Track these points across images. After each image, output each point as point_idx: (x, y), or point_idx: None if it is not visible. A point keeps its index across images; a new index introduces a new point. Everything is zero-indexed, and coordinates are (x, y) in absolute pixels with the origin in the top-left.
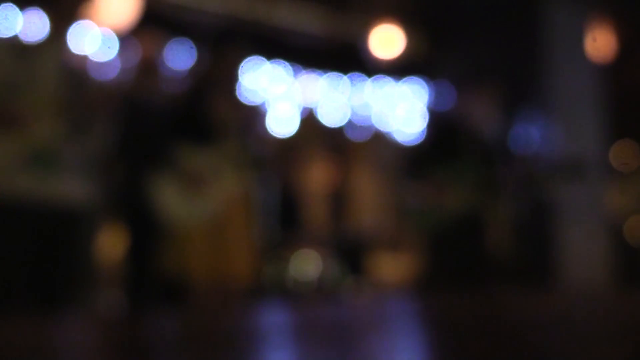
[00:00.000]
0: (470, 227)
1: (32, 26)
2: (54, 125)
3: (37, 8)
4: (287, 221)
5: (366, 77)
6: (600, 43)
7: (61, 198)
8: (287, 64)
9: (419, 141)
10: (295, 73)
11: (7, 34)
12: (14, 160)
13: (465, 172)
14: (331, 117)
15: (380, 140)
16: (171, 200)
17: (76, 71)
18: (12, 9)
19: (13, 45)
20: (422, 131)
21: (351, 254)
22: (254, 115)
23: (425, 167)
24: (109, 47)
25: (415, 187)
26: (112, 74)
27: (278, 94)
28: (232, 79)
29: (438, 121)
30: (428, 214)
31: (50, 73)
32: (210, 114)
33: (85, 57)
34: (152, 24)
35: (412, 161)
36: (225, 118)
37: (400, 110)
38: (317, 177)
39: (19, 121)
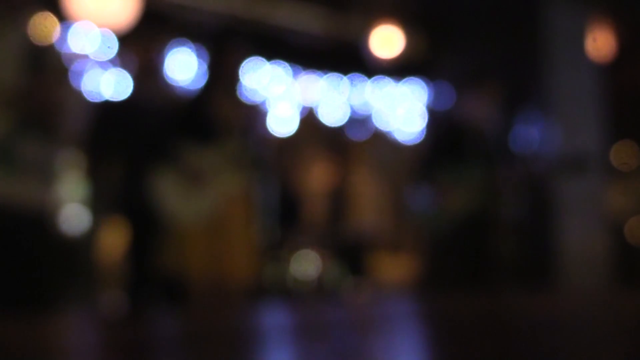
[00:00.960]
0: (470, 227)
1: None
2: (9, 117)
3: None
4: (287, 221)
5: (366, 77)
6: (600, 43)
7: (24, 200)
8: (287, 64)
9: (423, 142)
10: (295, 73)
11: None
12: None
13: (469, 173)
14: (331, 117)
15: (380, 140)
16: (171, 198)
17: (36, 55)
18: None
19: None
20: (422, 131)
21: (351, 254)
22: (255, 114)
23: (430, 169)
24: (108, 47)
25: (421, 188)
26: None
27: (278, 94)
28: (232, 78)
29: (440, 122)
30: (435, 215)
31: (7, 58)
32: (211, 113)
33: (49, 42)
34: (152, 24)
35: (418, 163)
36: (226, 117)
37: (400, 110)
38: (317, 177)
39: None
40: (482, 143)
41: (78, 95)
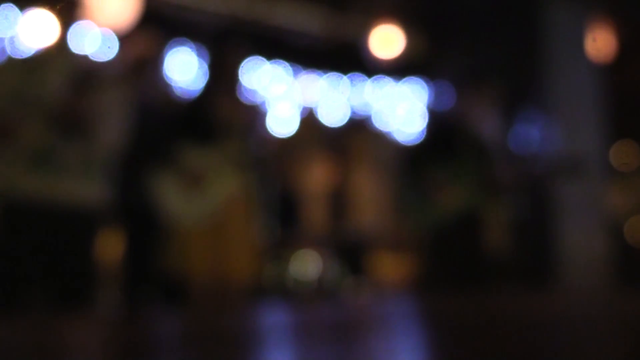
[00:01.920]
0: (470, 227)
1: (35, 28)
2: (49, 125)
3: (40, 8)
4: (287, 221)
5: (366, 77)
6: (600, 43)
7: (64, 199)
8: (287, 64)
9: (419, 141)
10: (295, 73)
11: (7, 35)
12: (13, 163)
13: (464, 171)
14: (331, 117)
15: (380, 140)
16: (172, 199)
17: (80, 73)
18: (12, 9)
19: (21, 58)
20: (422, 131)
21: (351, 254)
22: (255, 114)
23: (424, 166)
24: (109, 47)
25: (414, 185)
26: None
27: (278, 94)
28: (232, 78)
29: (437, 121)
30: (427, 212)
31: (57, 81)
32: (211, 114)
33: (87, 57)
34: (152, 24)
35: (411, 160)
36: (226, 118)
37: (400, 110)
38: (317, 177)
39: (12, 125)
40: (478, 142)
41: (116, 105)
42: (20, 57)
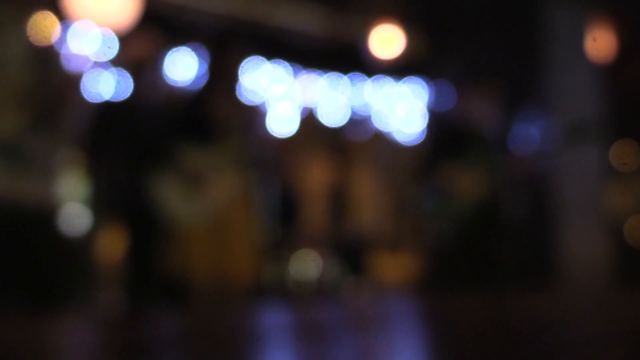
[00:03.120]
0: (470, 227)
1: None
2: (18, 116)
3: None
4: (287, 221)
5: (366, 77)
6: (600, 43)
7: (33, 198)
8: (287, 64)
9: (424, 142)
10: (295, 73)
11: None
12: None
13: (472, 169)
14: (331, 117)
15: (380, 140)
16: (172, 199)
17: (42, 55)
18: None
19: None
20: (422, 131)
21: (351, 254)
22: (255, 115)
23: (433, 167)
24: (108, 47)
25: (426, 186)
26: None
27: (278, 94)
28: (232, 79)
29: (440, 121)
30: (447, 206)
31: (14, 57)
32: (211, 114)
33: (50, 43)
34: (152, 24)
35: (421, 161)
36: (226, 118)
37: (400, 110)
38: (317, 177)
39: None
40: (482, 143)
41: (81, 94)
42: None
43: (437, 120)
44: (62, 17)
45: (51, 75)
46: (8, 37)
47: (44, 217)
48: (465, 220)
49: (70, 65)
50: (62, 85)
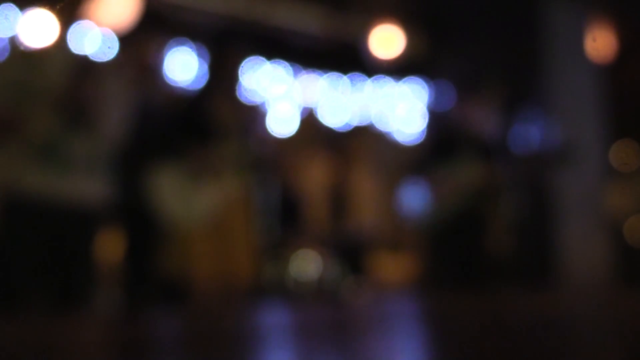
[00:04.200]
0: (470, 226)
1: (35, 27)
2: (55, 118)
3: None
4: (287, 221)
5: (366, 77)
6: (600, 43)
7: (72, 197)
8: (287, 64)
9: (420, 141)
10: (295, 73)
11: (8, 34)
12: (18, 158)
13: (463, 172)
14: (331, 117)
15: (380, 140)
16: (171, 199)
17: (81, 64)
18: (12, 9)
19: (20, 49)
20: (423, 131)
21: (351, 254)
22: (255, 115)
23: (424, 168)
24: (109, 47)
25: (415, 187)
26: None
27: (278, 94)
28: (232, 79)
29: (438, 121)
30: (431, 210)
31: (57, 71)
32: (210, 114)
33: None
34: (152, 24)
35: (414, 161)
36: (226, 118)
37: (400, 110)
38: (317, 177)
39: (18, 119)
40: (478, 143)
41: (117, 95)
42: (21, 50)
43: (434, 121)
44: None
45: (86, 79)
46: (54, 53)
47: (83, 215)
48: (459, 220)
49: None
50: (96, 89)
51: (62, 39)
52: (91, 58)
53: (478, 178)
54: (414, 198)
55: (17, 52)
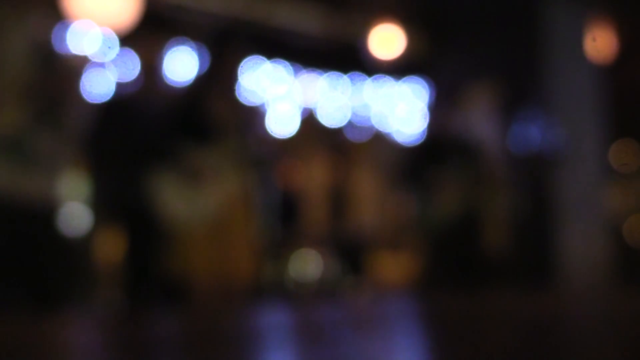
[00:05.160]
0: (469, 227)
1: None
2: (20, 112)
3: None
4: (287, 221)
5: (366, 77)
6: (600, 43)
7: (35, 194)
8: (287, 64)
9: (417, 143)
10: (295, 73)
11: None
12: None
13: (462, 170)
14: (331, 117)
15: (380, 140)
16: (171, 199)
17: (44, 50)
18: None
19: None
20: (423, 131)
21: (351, 254)
22: (254, 115)
23: (423, 168)
24: (109, 47)
25: (414, 188)
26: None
27: (278, 94)
28: (232, 79)
29: (437, 121)
30: (429, 212)
31: (15, 53)
32: (210, 114)
33: (51, 35)
34: (152, 24)
35: (409, 162)
36: (225, 118)
37: (400, 110)
38: (317, 177)
39: None
40: (475, 143)
41: (83, 92)
42: None
43: (435, 121)
44: (62, 16)
45: (52, 71)
46: (9, 33)
47: (45, 214)
48: (457, 221)
49: (73, 63)
50: (62, 82)
51: (24, 27)
52: (56, 50)
53: (475, 179)
54: (413, 199)
55: None
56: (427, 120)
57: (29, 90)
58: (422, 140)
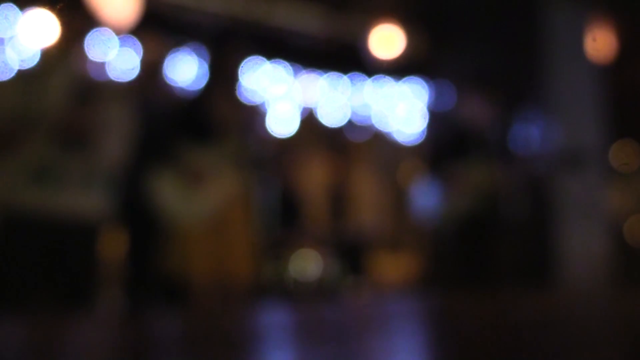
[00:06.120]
0: (471, 227)
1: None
2: (50, 144)
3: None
4: (287, 221)
5: (366, 77)
6: (600, 43)
7: (67, 211)
8: (287, 64)
9: (425, 142)
10: (295, 73)
11: (7, 35)
12: (18, 177)
13: (472, 172)
14: (331, 117)
15: (380, 140)
16: (171, 199)
17: (83, 85)
18: (12, 9)
19: (22, 73)
20: (422, 131)
21: (351, 253)
22: (254, 115)
23: (435, 168)
24: (109, 48)
25: (427, 187)
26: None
27: (278, 94)
28: (232, 79)
29: (441, 122)
30: (441, 213)
31: (56, 96)
32: (210, 114)
33: (90, 65)
34: (153, 24)
35: (423, 162)
36: (226, 117)
37: (400, 110)
38: (317, 177)
39: (14, 139)
40: (483, 143)
41: (121, 118)
42: (20, 70)
43: (439, 121)
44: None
45: (87, 105)
46: (53, 71)
47: (81, 227)
48: (466, 220)
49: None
50: (97, 115)
51: (64, 52)
52: (92, 80)
53: (490, 178)
54: (425, 197)
55: (17, 75)
56: (440, 117)
57: (61, 123)
58: (441, 136)
